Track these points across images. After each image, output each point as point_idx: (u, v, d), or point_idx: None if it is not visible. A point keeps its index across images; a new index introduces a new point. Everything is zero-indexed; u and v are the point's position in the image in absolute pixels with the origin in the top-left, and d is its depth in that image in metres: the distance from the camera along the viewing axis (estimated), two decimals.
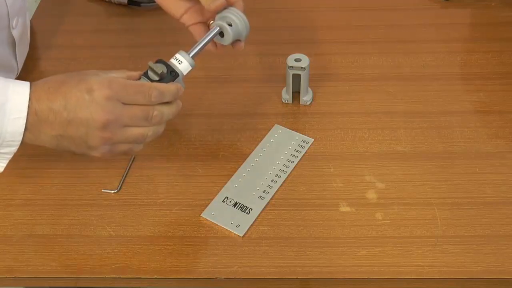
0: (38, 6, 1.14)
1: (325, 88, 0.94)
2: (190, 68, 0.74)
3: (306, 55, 0.89)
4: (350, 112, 0.91)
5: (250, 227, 0.76)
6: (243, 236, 0.75)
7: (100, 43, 1.06)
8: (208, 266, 0.72)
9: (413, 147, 0.85)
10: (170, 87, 0.70)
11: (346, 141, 0.86)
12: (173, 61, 0.73)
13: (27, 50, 1.01)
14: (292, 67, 0.88)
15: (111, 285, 0.73)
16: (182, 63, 0.73)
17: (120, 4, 1.12)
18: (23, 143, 0.68)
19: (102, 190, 0.81)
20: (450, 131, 0.87)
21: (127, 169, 0.83)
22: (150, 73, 0.70)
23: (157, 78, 0.70)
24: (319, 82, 0.94)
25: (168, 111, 0.70)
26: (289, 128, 0.88)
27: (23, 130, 0.66)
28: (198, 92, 0.94)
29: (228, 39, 0.78)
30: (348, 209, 0.78)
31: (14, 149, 0.69)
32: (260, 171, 0.82)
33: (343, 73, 0.97)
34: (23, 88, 0.66)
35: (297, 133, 0.87)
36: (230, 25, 0.77)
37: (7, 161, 0.71)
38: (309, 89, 0.92)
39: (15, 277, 0.70)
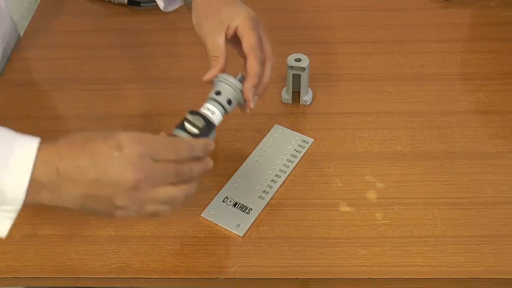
0: (38, 6, 1.15)
1: (325, 88, 0.94)
2: (222, 118, 0.71)
3: (306, 55, 0.89)
4: (350, 112, 0.91)
5: (250, 227, 0.76)
6: (243, 236, 0.75)
7: (100, 43, 1.06)
8: (208, 266, 0.72)
9: (413, 147, 0.85)
10: (200, 142, 0.66)
11: (346, 141, 0.86)
12: (205, 111, 0.70)
13: (13, 39, 0.99)
14: (292, 67, 0.88)
15: (111, 285, 0.73)
16: (215, 113, 0.70)
17: (120, 4, 1.12)
18: (42, 204, 0.61)
19: None
20: (450, 131, 0.87)
21: None
22: (189, 126, 0.67)
23: (197, 132, 0.67)
24: (319, 82, 0.94)
25: (197, 168, 0.65)
26: (289, 128, 0.88)
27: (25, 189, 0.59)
28: (198, 92, 0.94)
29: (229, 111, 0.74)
30: (348, 209, 0.78)
31: (17, 207, 0.61)
32: (260, 171, 0.82)
33: (343, 73, 0.97)
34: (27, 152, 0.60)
35: (297, 133, 0.87)
36: (230, 102, 0.73)
37: (11, 222, 0.62)
38: (309, 89, 0.92)
39: (15, 277, 0.70)
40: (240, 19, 0.75)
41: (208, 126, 0.68)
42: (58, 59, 1.03)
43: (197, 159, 0.65)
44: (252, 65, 0.73)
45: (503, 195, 0.78)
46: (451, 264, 0.71)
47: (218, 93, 0.72)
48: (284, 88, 0.92)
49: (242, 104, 0.75)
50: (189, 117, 0.68)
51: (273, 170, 0.82)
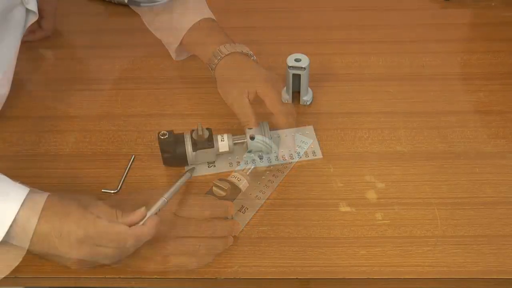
0: None
1: (325, 88, 0.94)
2: (248, 185, 0.78)
3: (306, 55, 0.89)
4: (350, 112, 0.91)
5: (248, 226, 0.76)
6: (238, 236, 0.75)
7: (100, 43, 1.06)
8: (208, 266, 0.72)
9: (413, 147, 0.85)
10: (220, 203, 0.74)
11: (346, 141, 0.86)
12: (232, 179, 0.78)
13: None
14: (292, 67, 0.88)
15: (111, 285, 0.73)
16: (241, 180, 0.78)
17: (120, 4, 1.12)
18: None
19: (102, 190, 0.81)
20: (450, 131, 0.87)
21: (127, 169, 0.83)
22: (216, 190, 0.76)
23: (223, 193, 0.76)
24: (319, 82, 0.94)
25: (221, 225, 0.72)
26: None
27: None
28: (198, 92, 0.94)
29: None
30: (348, 209, 0.78)
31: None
32: (257, 171, 0.82)
33: (343, 73, 0.97)
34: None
35: (297, 133, 0.87)
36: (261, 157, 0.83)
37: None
38: (309, 89, 0.92)
39: (15, 277, 0.70)
40: (258, 83, 0.85)
41: (234, 189, 0.76)
42: (58, 59, 1.03)
43: (224, 219, 0.73)
44: (279, 120, 0.84)
45: (503, 195, 0.78)
46: (451, 264, 0.71)
47: (250, 151, 0.83)
48: (284, 88, 0.92)
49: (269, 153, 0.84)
50: (217, 182, 0.76)
51: (270, 170, 0.82)
